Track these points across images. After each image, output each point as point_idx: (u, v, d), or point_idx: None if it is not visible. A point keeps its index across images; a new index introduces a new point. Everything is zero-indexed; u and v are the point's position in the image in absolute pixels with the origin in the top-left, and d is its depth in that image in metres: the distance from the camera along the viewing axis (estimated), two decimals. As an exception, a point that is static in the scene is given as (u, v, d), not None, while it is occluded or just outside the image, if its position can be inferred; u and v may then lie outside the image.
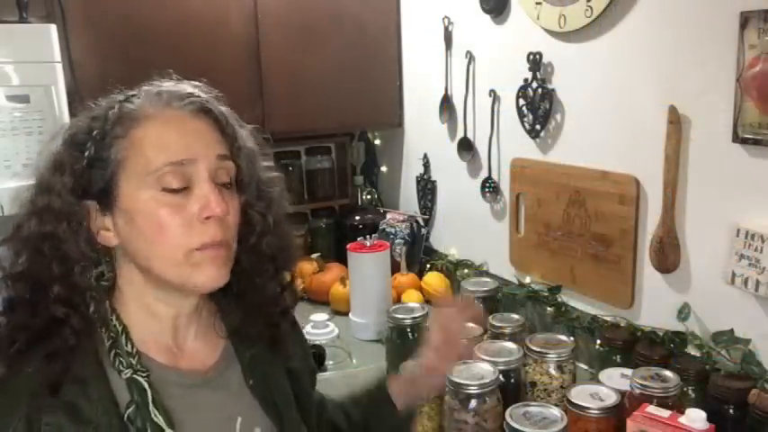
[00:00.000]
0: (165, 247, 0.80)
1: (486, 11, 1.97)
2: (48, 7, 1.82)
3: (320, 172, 2.60)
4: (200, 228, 0.80)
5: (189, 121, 0.83)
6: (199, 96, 0.85)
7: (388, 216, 2.43)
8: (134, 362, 0.81)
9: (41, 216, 0.80)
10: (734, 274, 1.33)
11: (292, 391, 0.98)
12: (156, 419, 0.78)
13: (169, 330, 0.87)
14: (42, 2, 1.81)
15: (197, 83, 0.90)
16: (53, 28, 1.70)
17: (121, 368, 0.79)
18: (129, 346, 0.82)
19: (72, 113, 1.74)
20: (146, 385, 0.79)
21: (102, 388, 0.78)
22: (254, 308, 0.93)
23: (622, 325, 1.58)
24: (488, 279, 1.97)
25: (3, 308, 0.81)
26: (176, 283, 0.83)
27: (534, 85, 1.80)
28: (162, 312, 0.86)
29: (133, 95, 0.85)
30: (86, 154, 0.81)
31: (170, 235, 0.80)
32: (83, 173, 0.81)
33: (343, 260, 2.20)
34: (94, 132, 0.81)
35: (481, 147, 2.09)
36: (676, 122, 1.41)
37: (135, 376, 0.79)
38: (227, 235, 0.83)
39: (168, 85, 0.87)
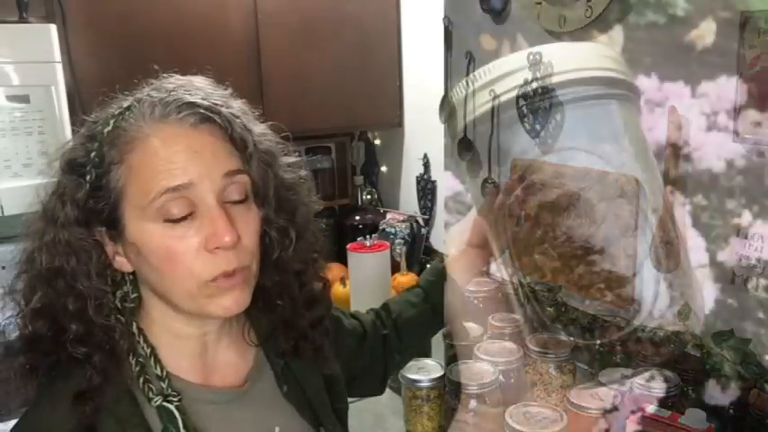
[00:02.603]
0: (176, 280, 0.74)
1: (486, 11, 1.96)
2: (48, 7, 1.82)
3: (320, 172, 2.60)
4: (210, 258, 0.73)
5: (189, 136, 0.74)
6: (200, 104, 0.75)
7: (388, 216, 2.43)
8: (164, 386, 0.77)
9: (50, 250, 0.75)
10: (734, 274, 1.32)
11: (328, 394, 0.94)
12: None
13: (198, 348, 0.83)
14: (42, 2, 1.81)
15: (203, 79, 0.83)
16: (53, 28, 1.71)
17: (151, 395, 0.76)
18: (159, 369, 0.78)
19: (72, 113, 1.74)
20: (176, 413, 0.75)
21: (136, 420, 0.75)
22: (282, 322, 0.89)
23: (622, 325, 1.58)
24: (488, 279, 1.97)
25: (22, 346, 0.77)
26: (194, 312, 0.78)
27: (534, 84, 1.80)
28: (188, 333, 0.82)
29: (127, 109, 0.76)
30: (87, 179, 0.74)
31: (180, 268, 0.73)
32: (86, 201, 0.74)
33: (343, 260, 2.20)
34: (92, 155, 0.74)
35: (481, 147, 2.08)
36: (676, 122, 1.41)
37: (164, 404, 0.76)
38: (243, 260, 0.76)
39: (169, 87, 0.78)
